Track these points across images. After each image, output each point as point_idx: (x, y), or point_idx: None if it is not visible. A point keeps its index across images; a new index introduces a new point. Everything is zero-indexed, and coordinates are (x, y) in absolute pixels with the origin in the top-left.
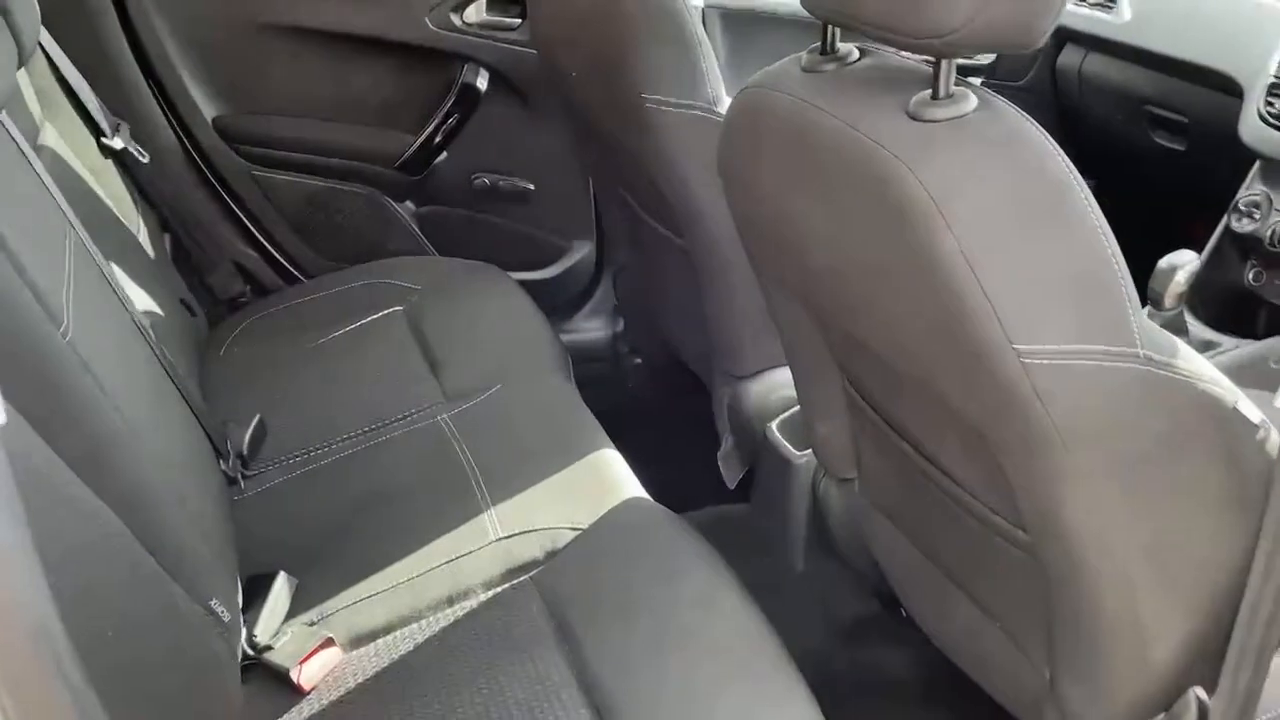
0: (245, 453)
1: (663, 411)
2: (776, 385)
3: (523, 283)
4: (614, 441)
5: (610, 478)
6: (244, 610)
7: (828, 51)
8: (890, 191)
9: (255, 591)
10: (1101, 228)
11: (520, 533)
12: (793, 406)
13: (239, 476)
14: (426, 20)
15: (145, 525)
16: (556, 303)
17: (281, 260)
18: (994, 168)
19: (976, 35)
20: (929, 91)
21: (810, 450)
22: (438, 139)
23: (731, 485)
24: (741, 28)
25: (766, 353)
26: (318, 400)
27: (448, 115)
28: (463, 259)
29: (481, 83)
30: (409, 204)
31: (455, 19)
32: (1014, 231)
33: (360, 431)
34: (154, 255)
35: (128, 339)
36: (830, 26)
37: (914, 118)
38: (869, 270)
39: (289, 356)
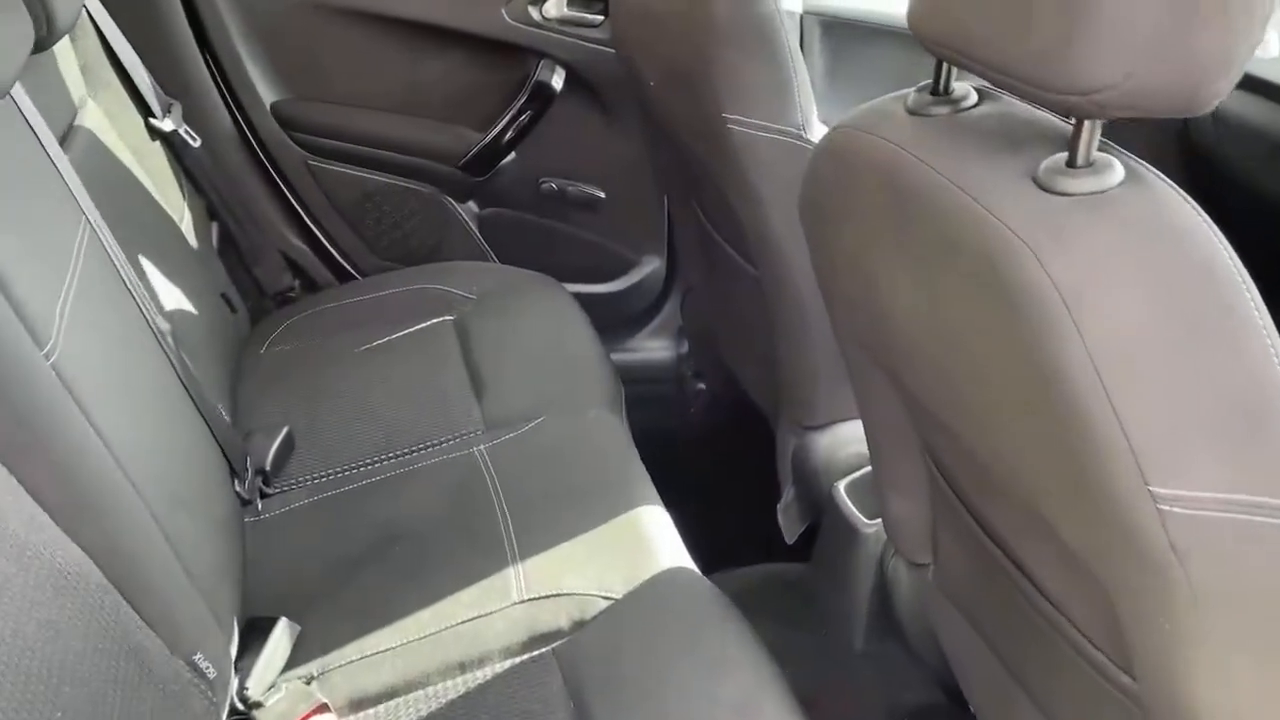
0: (268, 468)
1: (721, 445)
2: (848, 439)
3: (585, 295)
4: (666, 471)
5: (653, 540)
6: (238, 657)
7: (940, 92)
8: (1007, 278)
9: (253, 636)
10: (1274, 346)
11: (547, 596)
12: (864, 465)
13: (256, 497)
14: (503, 12)
15: (127, 572)
16: (620, 318)
17: (334, 255)
18: (1144, 262)
19: (1131, 96)
20: (1064, 156)
21: (880, 520)
22: (506, 138)
23: (790, 540)
24: (844, 39)
25: (840, 403)
26: (352, 414)
27: (519, 114)
28: (521, 268)
29: (557, 81)
30: (471, 205)
31: (534, 12)
32: (1164, 346)
33: (392, 455)
34: (197, 245)
35: (138, 348)
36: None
37: (1044, 188)
38: (970, 363)
39: (330, 361)
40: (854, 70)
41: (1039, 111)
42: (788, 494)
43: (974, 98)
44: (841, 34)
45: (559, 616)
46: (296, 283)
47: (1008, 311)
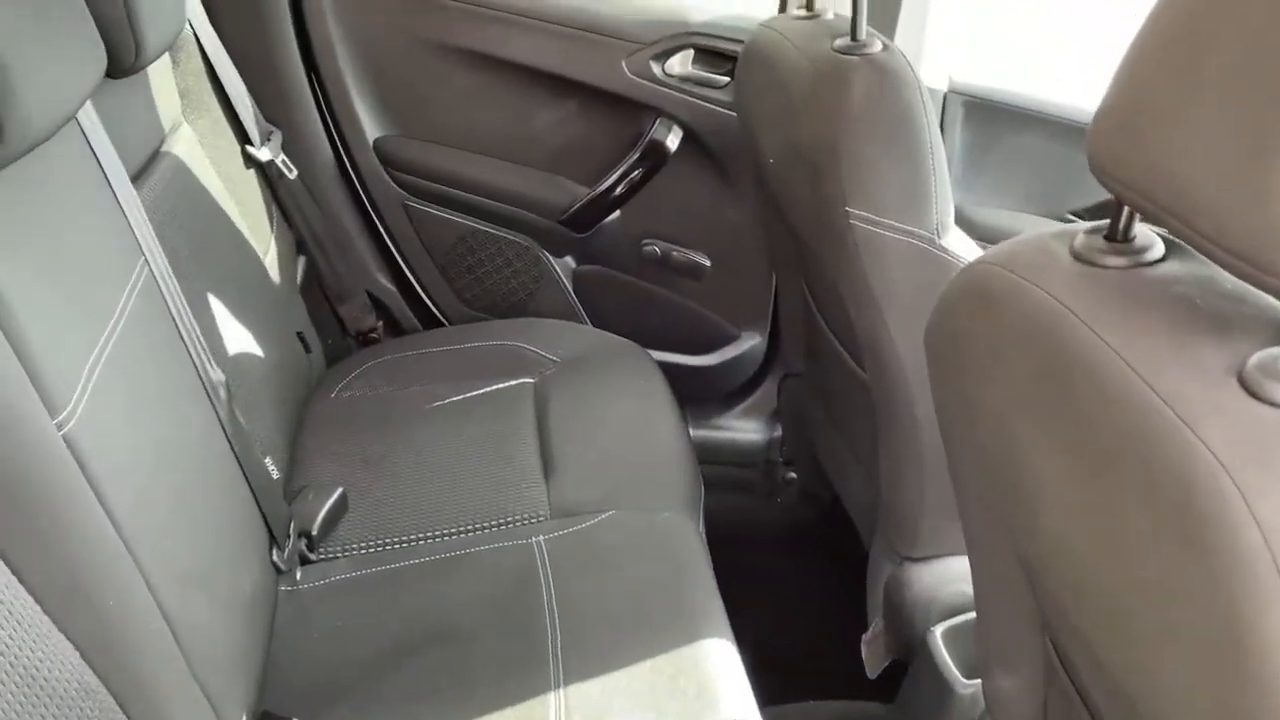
0: (315, 532)
1: (806, 548)
2: (952, 577)
3: (677, 366)
4: (742, 565)
5: (715, 683)
6: None
7: (1118, 238)
8: (1200, 512)
9: None
10: None
11: None
12: (967, 609)
13: (295, 565)
14: (624, 65)
15: (119, 668)
16: (711, 393)
17: (421, 299)
18: None
19: None
20: None
21: (980, 682)
22: (613, 195)
23: (872, 675)
24: (989, 122)
25: (947, 537)
26: (414, 479)
27: (629, 171)
28: (613, 330)
29: (672, 140)
30: (567, 260)
31: (656, 68)
32: None
33: (447, 533)
34: (280, 280)
35: (179, 405)
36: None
37: (1253, 394)
38: (1133, 587)
39: (400, 415)
40: (999, 158)
41: (1250, 289)
42: (876, 625)
43: (1160, 249)
44: (987, 116)
45: None
46: (380, 324)
47: (1198, 551)
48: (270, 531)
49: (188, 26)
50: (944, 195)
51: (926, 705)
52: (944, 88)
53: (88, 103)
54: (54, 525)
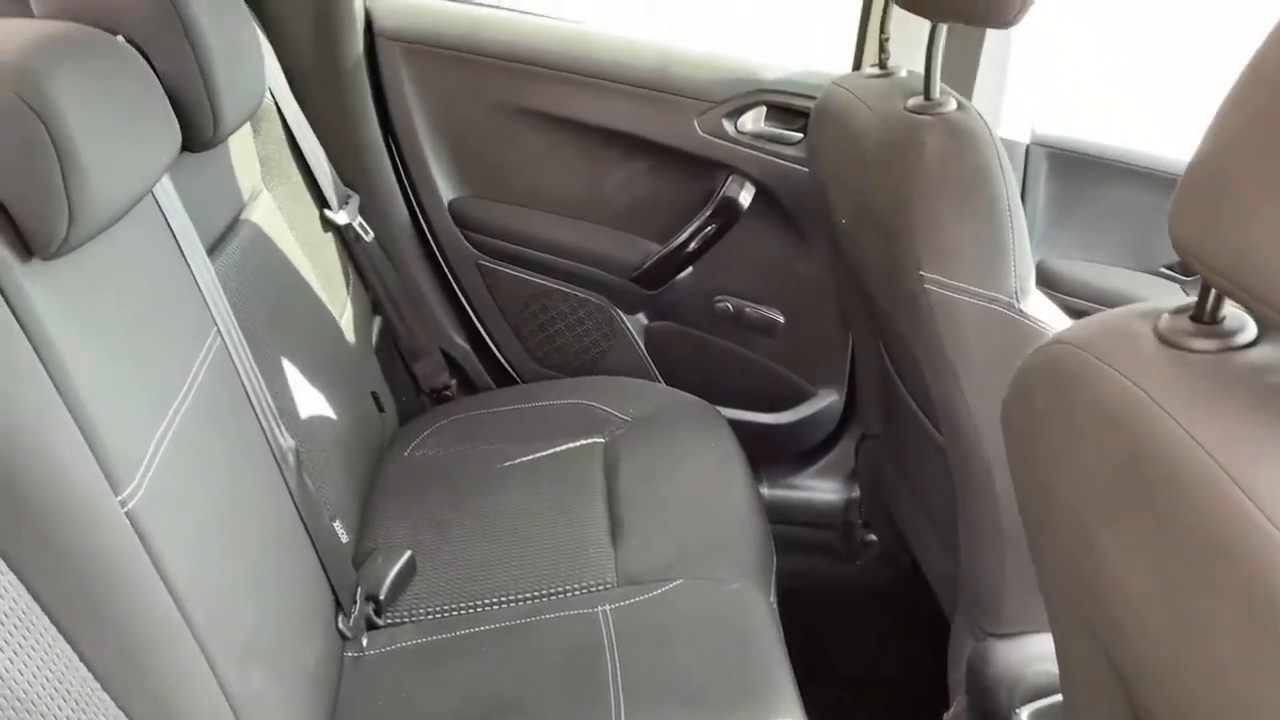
0: (382, 597)
1: (885, 615)
2: (1038, 655)
3: (751, 424)
4: (817, 630)
5: None
6: None
7: (1205, 319)
8: None
9: None
10: None
11: None
12: (1054, 690)
13: (361, 631)
14: (695, 124)
15: None
16: (786, 452)
17: (495, 357)
18: None
19: None
20: None
21: None
22: (685, 252)
23: None
24: (1075, 172)
25: (1033, 612)
26: (482, 542)
27: (701, 227)
28: (685, 388)
29: (745, 197)
30: (639, 317)
31: (728, 126)
32: None
33: (513, 599)
34: (355, 341)
35: (247, 474)
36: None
37: None
38: (1228, 707)
39: (471, 475)
40: (1086, 211)
41: None
42: (958, 704)
43: (1252, 331)
44: (1073, 168)
45: None
46: (454, 381)
47: None
48: (337, 598)
49: (268, 95)
50: (1023, 257)
51: None
52: (1026, 140)
53: (166, 177)
54: (114, 603)
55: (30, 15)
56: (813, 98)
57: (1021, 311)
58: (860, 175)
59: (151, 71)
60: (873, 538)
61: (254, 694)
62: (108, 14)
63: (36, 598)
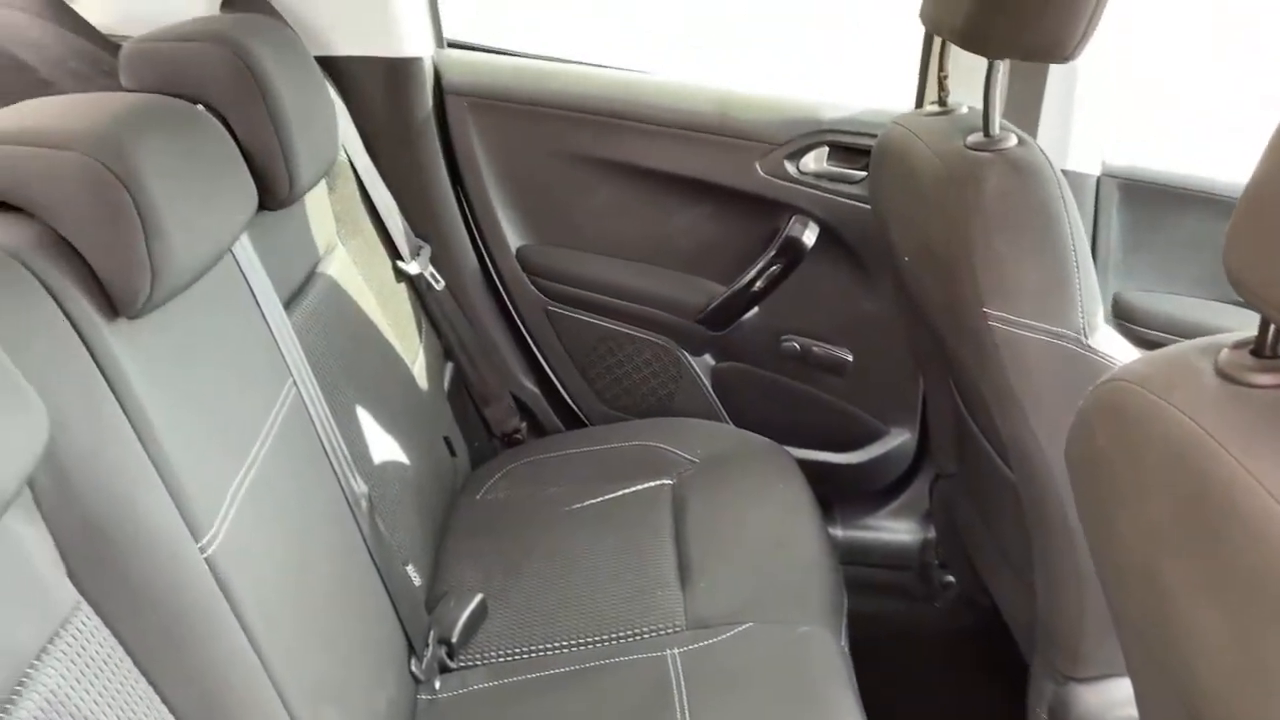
0: (454, 640)
1: (964, 659)
2: (1120, 701)
3: (822, 464)
4: (894, 673)
5: None
6: None
7: (1266, 353)
8: None
9: None
10: None
11: None
12: None
13: (434, 675)
14: (757, 166)
15: None
16: (859, 491)
17: (564, 401)
18: None
19: None
20: None
21: None
22: (750, 293)
23: None
24: (1149, 202)
25: (1112, 657)
26: (552, 585)
27: (766, 267)
28: (753, 428)
29: (809, 237)
30: (706, 358)
31: (790, 167)
32: None
33: (583, 642)
34: (428, 387)
35: (321, 520)
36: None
37: None
38: None
39: (541, 518)
40: (1162, 241)
41: None
42: None
43: None
44: (1146, 198)
45: None
46: (524, 425)
47: None
48: (410, 641)
49: (342, 153)
50: (1090, 292)
51: None
52: (1096, 172)
53: (244, 236)
54: (194, 646)
55: (121, 88)
56: (874, 136)
57: (1089, 347)
58: (920, 213)
59: (230, 138)
60: (951, 579)
61: None
62: (190, 85)
63: (121, 642)
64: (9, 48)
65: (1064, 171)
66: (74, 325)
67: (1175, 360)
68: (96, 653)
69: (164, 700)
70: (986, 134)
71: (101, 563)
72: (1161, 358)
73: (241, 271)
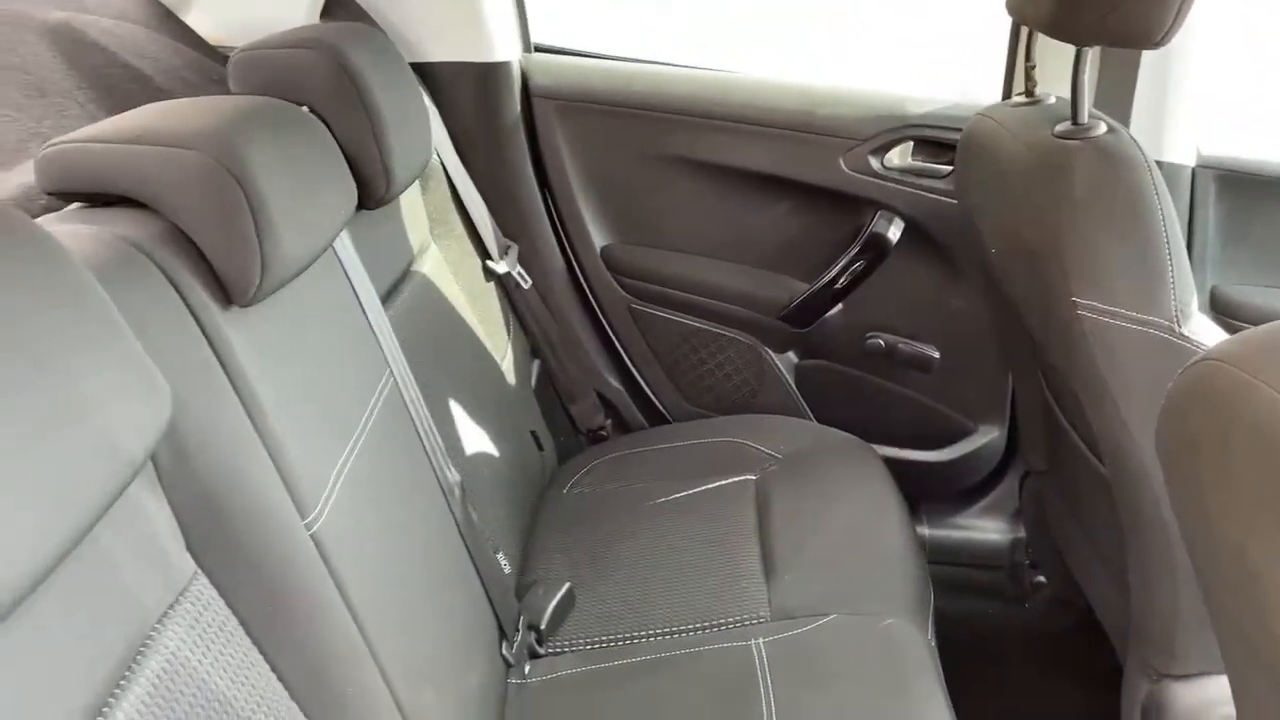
0: (543, 627)
1: (1055, 660)
2: (1217, 700)
3: (907, 462)
4: (982, 674)
5: None
6: None
7: None
8: None
9: None
10: None
11: None
12: None
13: (524, 659)
14: (841, 162)
15: None
16: (947, 490)
17: (648, 398)
18: None
19: None
20: None
21: None
22: (834, 290)
23: None
24: (1246, 193)
25: (1209, 652)
26: (638, 576)
27: (850, 264)
28: (837, 425)
29: (893, 233)
30: (789, 356)
31: (874, 162)
32: None
33: (667, 631)
34: (515, 383)
35: (417, 506)
36: None
37: None
38: None
39: (626, 512)
40: (1261, 233)
41: None
42: None
43: None
44: (1244, 189)
45: None
46: (609, 422)
47: None
48: (500, 626)
49: (435, 156)
50: (1183, 280)
51: None
52: (1192, 162)
53: (345, 233)
54: (302, 620)
55: (229, 93)
56: (959, 130)
57: (1183, 335)
58: (1008, 204)
59: (333, 138)
60: (1042, 579)
61: (424, 714)
62: (294, 90)
63: (235, 612)
64: (129, 60)
65: (1158, 163)
66: (192, 312)
67: (1269, 338)
68: (212, 620)
69: (273, 669)
70: (1075, 122)
71: (216, 536)
72: (1255, 336)
73: (342, 267)
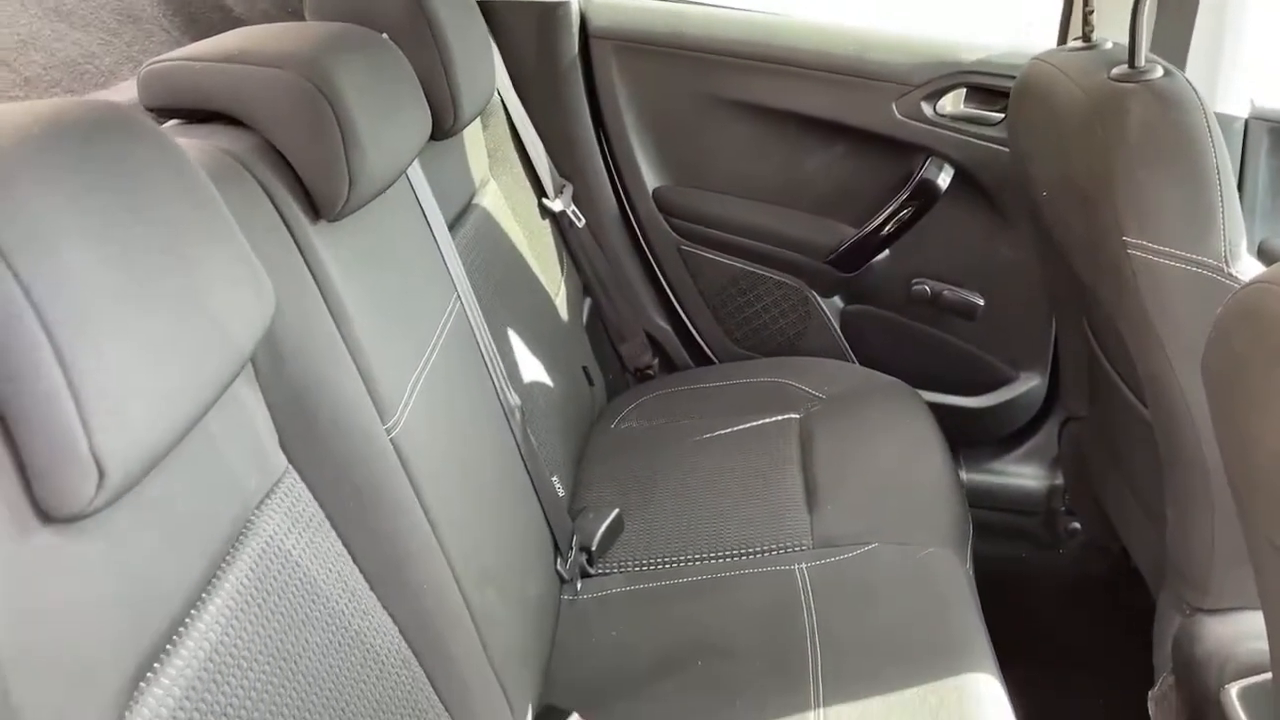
0: (594, 548)
1: (1090, 602)
2: (1249, 633)
3: (949, 407)
4: (1016, 619)
5: (979, 716)
6: None
7: None
8: None
9: None
10: None
11: None
12: (1266, 669)
13: (577, 576)
14: (893, 107)
15: (430, 648)
16: (985, 436)
17: (694, 339)
18: None
19: None
20: None
21: None
22: (882, 235)
23: None
24: None
25: (1242, 586)
26: (684, 505)
27: (899, 210)
28: (879, 371)
29: (943, 179)
30: (835, 300)
31: (926, 108)
32: None
33: (714, 556)
34: (568, 319)
35: (483, 423)
36: None
37: None
38: None
39: (673, 446)
40: None
41: None
42: (1163, 681)
43: None
44: None
45: None
46: (656, 361)
47: None
48: (555, 543)
49: (496, 95)
50: (1234, 221)
51: None
52: (1245, 114)
53: (416, 161)
54: (381, 517)
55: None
56: (1013, 78)
57: (1232, 275)
58: (1062, 146)
59: (409, 65)
60: (1077, 526)
61: (489, 614)
62: (368, 20)
63: (321, 506)
64: None
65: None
66: (286, 223)
67: None
68: (302, 512)
69: (354, 560)
70: (1132, 65)
71: (305, 435)
72: None
73: (414, 193)
